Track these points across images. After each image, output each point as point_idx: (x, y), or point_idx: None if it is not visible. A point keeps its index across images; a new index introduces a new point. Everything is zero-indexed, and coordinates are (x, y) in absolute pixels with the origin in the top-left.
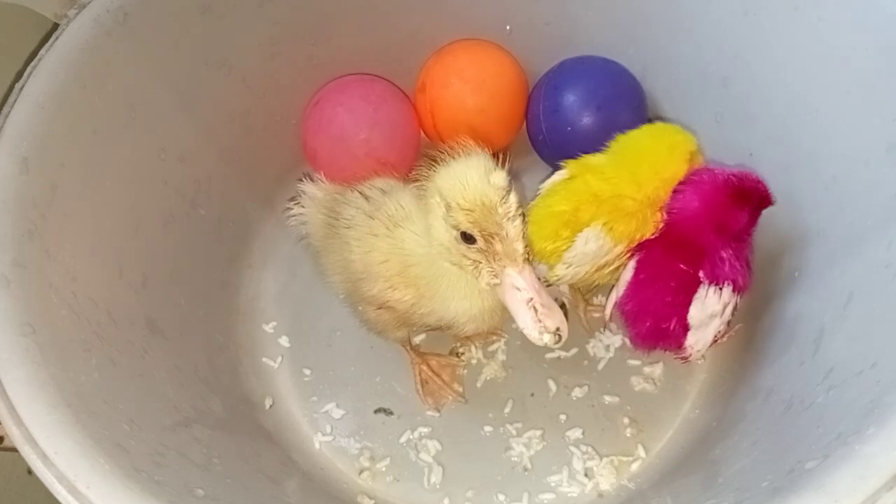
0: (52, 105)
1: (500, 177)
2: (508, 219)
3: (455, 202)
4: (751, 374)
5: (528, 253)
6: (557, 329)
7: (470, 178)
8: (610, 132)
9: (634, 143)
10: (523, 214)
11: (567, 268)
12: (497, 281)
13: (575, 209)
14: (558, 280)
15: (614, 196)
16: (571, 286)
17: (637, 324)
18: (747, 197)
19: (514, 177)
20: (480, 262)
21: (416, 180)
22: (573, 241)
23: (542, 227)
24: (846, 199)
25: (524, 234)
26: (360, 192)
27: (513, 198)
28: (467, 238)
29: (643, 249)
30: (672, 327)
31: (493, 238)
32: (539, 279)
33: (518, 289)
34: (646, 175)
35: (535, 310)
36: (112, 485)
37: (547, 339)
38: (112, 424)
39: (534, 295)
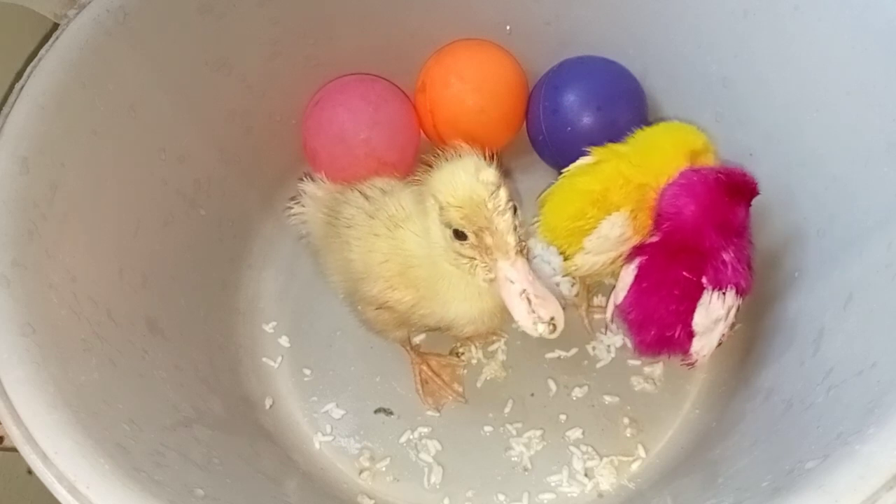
0: (52, 105)
1: (489, 173)
2: (498, 213)
3: (446, 201)
4: (751, 374)
5: (520, 246)
6: (552, 319)
7: (459, 177)
8: (610, 132)
9: (659, 138)
10: (515, 209)
11: (586, 255)
12: (492, 276)
13: (605, 189)
14: (576, 270)
15: (642, 185)
16: (579, 283)
17: (642, 332)
18: (741, 191)
19: (506, 174)
20: (475, 259)
21: (415, 182)
22: (598, 224)
23: (566, 205)
24: (846, 199)
25: (516, 227)
26: (361, 192)
27: (502, 193)
28: (460, 235)
29: (644, 255)
30: (677, 335)
31: (483, 232)
32: (534, 271)
33: (511, 281)
34: (669, 169)
35: (529, 301)
36: (112, 485)
37: (542, 329)
38: (112, 424)
39: (527, 286)
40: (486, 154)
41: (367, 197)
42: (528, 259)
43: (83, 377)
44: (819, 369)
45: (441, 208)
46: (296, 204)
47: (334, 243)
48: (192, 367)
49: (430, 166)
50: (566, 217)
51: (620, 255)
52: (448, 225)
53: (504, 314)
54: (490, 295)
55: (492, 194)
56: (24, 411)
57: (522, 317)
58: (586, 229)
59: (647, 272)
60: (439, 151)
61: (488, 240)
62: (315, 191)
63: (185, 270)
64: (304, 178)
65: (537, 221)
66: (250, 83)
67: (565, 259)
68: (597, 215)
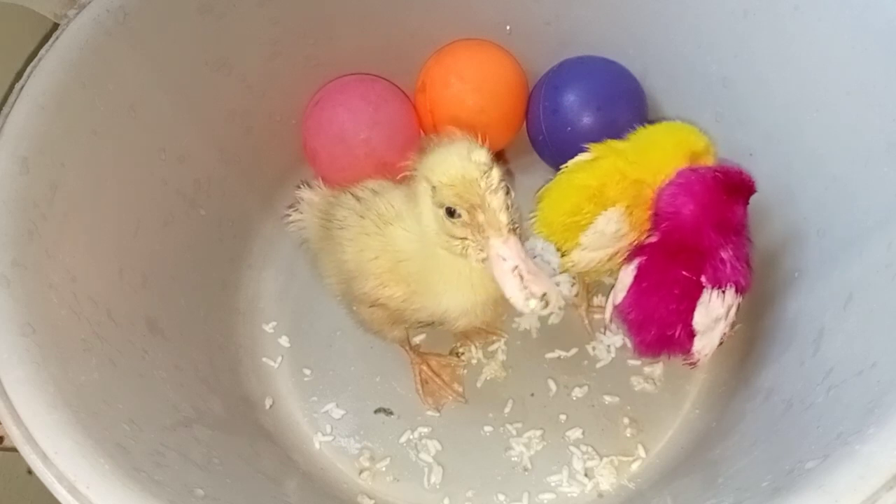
0: (52, 105)
1: (481, 154)
2: (491, 191)
3: (439, 180)
4: (751, 374)
5: (512, 224)
6: (544, 294)
7: (452, 158)
8: (610, 132)
9: (660, 137)
10: (507, 188)
11: (583, 251)
12: (484, 255)
13: (602, 185)
14: (573, 267)
15: (638, 181)
16: (579, 282)
17: (642, 332)
18: (739, 189)
19: (498, 157)
20: (467, 238)
21: (406, 182)
22: (594, 219)
23: (563, 200)
24: (846, 199)
25: (509, 207)
26: (353, 194)
27: (495, 172)
28: (452, 213)
29: (643, 255)
30: (677, 334)
31: (476, 210)
32: (527, 251)
33: (503, 258)
34: (667, 168)
35: (521, 277)
36: (112, 485)
37: (533, 304)
38: (112, 424)
39: (519, 263)
40: (479, 139)
41: (357, 198)
42: (520, 238)
43: (83, 377)
44: (819, 369)
45: (434, 188)
46: (294, 211)
47: (329, 246)
48: (192, 367)
49: (423, 153)
50: (562, 212)
51: (618, 253)
52: (440, 204)
53: (497, 307)
54: (482, 287)
55: (484, 174)
56: (24, 411)
57: (513, 292)
58: (582, 224)
59: (646, 272)
60: (432, 137)
61: (480, 217)
62: (312, 197)
63: (185, 270)
64: (302, 186)
65: (534, 217)
66: (250, 83)
67: (562, 255)
68: (593, 210)
